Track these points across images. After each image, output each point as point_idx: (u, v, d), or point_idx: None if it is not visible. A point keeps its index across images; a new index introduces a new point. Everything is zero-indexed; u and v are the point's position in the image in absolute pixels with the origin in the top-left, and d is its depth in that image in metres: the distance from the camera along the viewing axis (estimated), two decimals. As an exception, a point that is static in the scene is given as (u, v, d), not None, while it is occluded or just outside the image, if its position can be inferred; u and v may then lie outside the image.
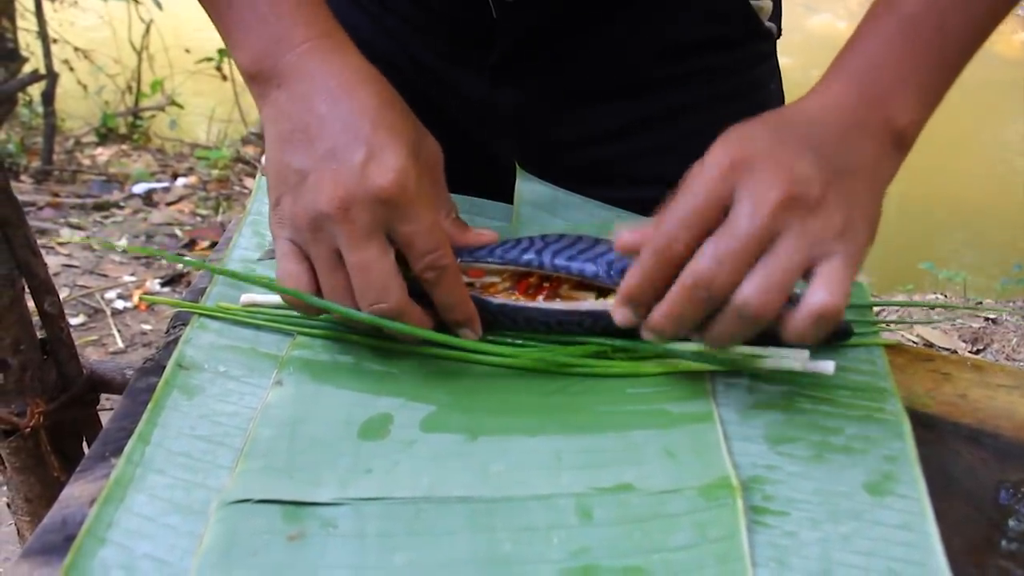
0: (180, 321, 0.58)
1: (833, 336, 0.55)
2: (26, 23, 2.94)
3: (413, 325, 0.51)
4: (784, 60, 0.74)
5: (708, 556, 0.42)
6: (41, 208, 2.55)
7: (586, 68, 0.67)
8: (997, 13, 0.50)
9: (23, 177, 2.82)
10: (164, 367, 0.52)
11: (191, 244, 2.40)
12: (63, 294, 2.01)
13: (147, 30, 3.48)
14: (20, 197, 0.60)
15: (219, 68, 3.42)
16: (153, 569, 0.41)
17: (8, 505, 0.68)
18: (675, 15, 0.66)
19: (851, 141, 0.48)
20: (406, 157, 0.49)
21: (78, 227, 2.43)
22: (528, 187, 0.67)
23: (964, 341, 2.06)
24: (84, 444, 0.68)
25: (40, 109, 2.90)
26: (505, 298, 0.55)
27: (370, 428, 0.49)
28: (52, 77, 2.82)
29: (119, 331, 1.98)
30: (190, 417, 0.49)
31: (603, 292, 0.54)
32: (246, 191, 2.92)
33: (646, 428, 0.50)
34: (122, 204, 2.67)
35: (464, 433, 0.49)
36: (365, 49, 0.54)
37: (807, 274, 0.45)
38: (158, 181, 2.90)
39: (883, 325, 0.61)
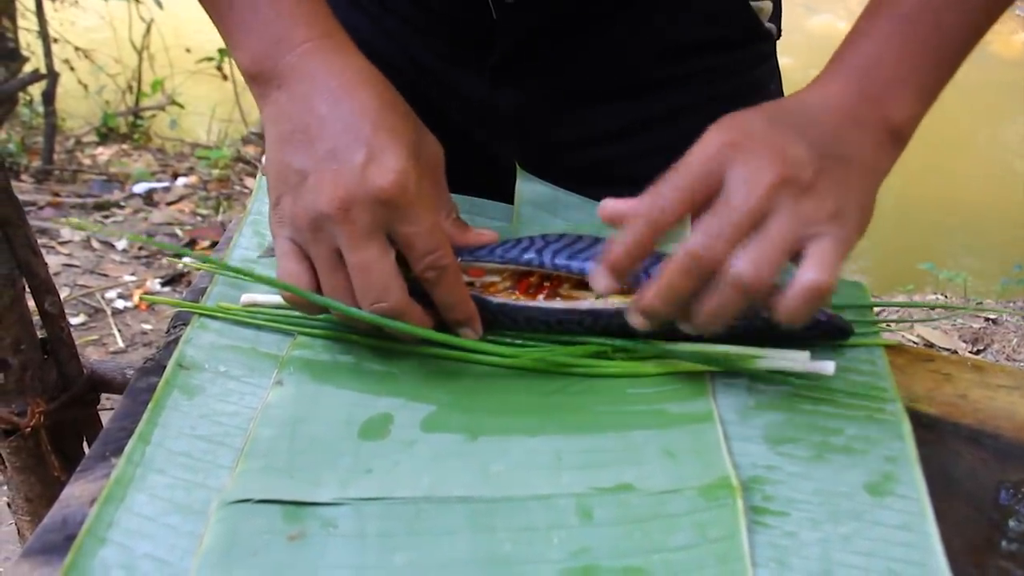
0: (180, 321, 0.58)
1: (833, 336, 0.55)
2: (27, 23, 2.94)
3: (413, 325, 0.51)
4: (784, 60, 0.74)
5: (708, 556, 0.42)
6: (42, 208, 2.55)
7: (586, 69, 0.67)
8: (992, 11, 0.51)
9: (24, 176, 2.82)
10: (164, 367, 0.52)
11: (191, 244, 2.40)
12: (63, 293, 2.01)
13: (148, 30, 3.48)
14: (21, 196, 0.60)
15: (220, 68, 3.43)
16: (153, 569, 0.41)
17: (8, 505, 0.68)
18: (675, 16, 0.66)
19: (846, 133, 0.48)
20: (406, 158, 0.49)
21: (78, 227, 2.43)
22: (528, 187, 0.67)
23: (964, 341, 2.07)
24: (84, 444, 0.68)
25: (41, 109, 2.90)
26: (505, 297, 0.55)
27: (370, 428, 0.49)
28: (53, 77, 2.82)
29: (119, 331, 1.98)
30: (190, 417, 0.49)
31: (603, 292, 0.54)
32: (247, 191, 2.92)
33: (646, 428, 0.50)
34: (123, 204, 2.67)
35: (464, 433, 0.49)
36: (365, 50, 0.54)
37: (798, 258, 0.45)
38: (158, 181, 2.90)
39: (883, 325, 0.61)
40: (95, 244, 2.33)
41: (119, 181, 2.88)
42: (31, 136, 3.13)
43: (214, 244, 2.27)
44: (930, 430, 0.53)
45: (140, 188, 2.80)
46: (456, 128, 0.66)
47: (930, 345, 1.97)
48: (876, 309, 0.63)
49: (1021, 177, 3.85)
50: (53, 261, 2.16)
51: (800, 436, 0.50)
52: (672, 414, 0.51)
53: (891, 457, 0.48)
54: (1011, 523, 0.47)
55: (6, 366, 0.60)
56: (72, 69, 3.38)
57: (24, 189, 2.68)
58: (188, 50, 3.48)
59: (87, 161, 3.12)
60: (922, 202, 3.34)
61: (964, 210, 3.47)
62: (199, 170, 3.05)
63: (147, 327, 2.02)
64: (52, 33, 2.97)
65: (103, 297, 2.10)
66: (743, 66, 0.70)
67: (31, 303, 0.61)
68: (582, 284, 0.55)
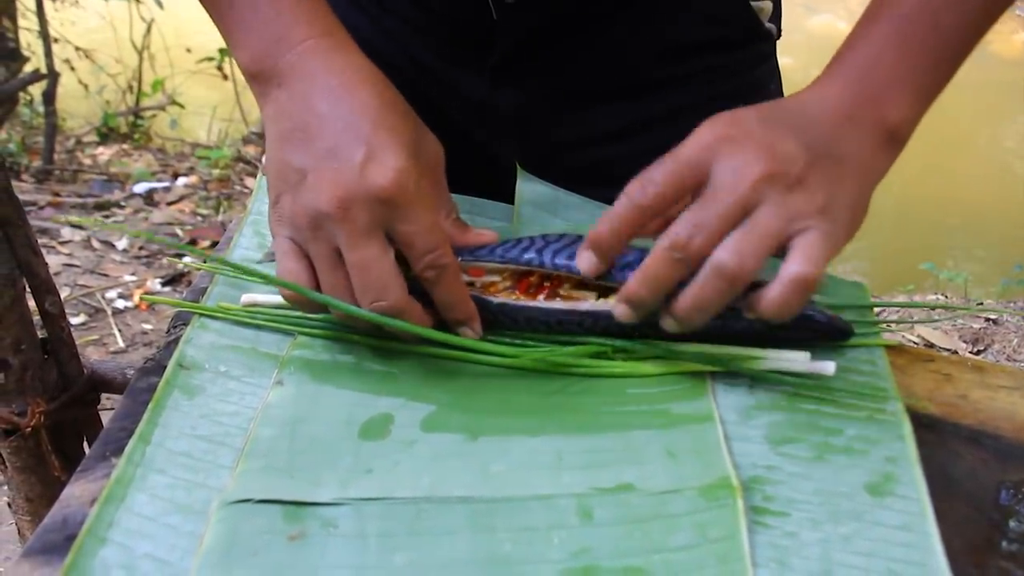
0: (181, 321, 0.58)
1: (833, 337, 0.55)
2: (27, 22, 2.94)
3: (413, 324, 0.51)
4: (784, 60, 0.74)
5: (708, 556, 0.42)
6: (42, 207, 2.55)
7: (586, 69, 0.67)
8: (992, 12, 0.51)
9: (24, 176, 2.82)
10: (165, 367, 0.52)
11: (192, 244, 2.39)
12: (64, 293, 2.01)
13: (148, 29, 3.49)
14: (21, 196, 0.60)
15: (220, 67, 3.43)
16: (153, 569, 0.41)
17: (9, 505, 0.68)
18: (675, 16, 0.66)
19: (842, 132, 0.48)
20: (406, 157, 0.49)
21: (79, 227, 2.43)
22: (529, 187, 0.67)
23: (965, 342, 2.06)
24: (85, 444, 0.68)
25: (41, 108, 2.90)
26: (505, 297, 0.55)
27: (370, 428, 0.49)
28: (53, 76, 2.83)
29: (120, 331, 1.98)
30: (191, 417, 0.49)
31: (604, 292, 0.54)
32: (247, 191, 2.93)
33: (646, 428, 0.50)
34: (123, 204, 2.67)
35: (464, 433, 0.49)
36: (365, 49, 0.54)
37: (784, 252, 0.46)
38: (159, 181, 2.90)
39: (884, 325, 0.61)
40: (95, 244, 2.33)
41: (119, 181, 2.88)
42: (31, 136, 3.14)
43: (214, 244, 2.28)
44: (930, 430, 0.53)
45: (140, 188, 2.80)
46: (456, 128, 0.66)
47: (930, 345, 1.97)
48: (876, 309, 0.63)
49: (1021, 177, 3.85)
50: (53, 261, 2.16)
51: (800, 436, 0.50)
52: (672, 414, 0.51)
53: (891, 457, 0.48)
54: (1011, 523, 0.47)
55: (6, 366, 0.60)
56: (72, 69, 3.39)
57: (24, 189, 2.68)
58: (189, 50, 3.48)
59: (87, 161, 3.12)
60: (922, 202, 3.34)
61: (964, 210, 3.47)
62: (199, 170, 3.05)
63: (147, 327, 2.02)
64: (52, 33, 2.97)
65: (103, 297, 2.10)
66: (743, 66, 0.70)
67: (31, 303, 0.61)
68: (582, 284, 0.55)
